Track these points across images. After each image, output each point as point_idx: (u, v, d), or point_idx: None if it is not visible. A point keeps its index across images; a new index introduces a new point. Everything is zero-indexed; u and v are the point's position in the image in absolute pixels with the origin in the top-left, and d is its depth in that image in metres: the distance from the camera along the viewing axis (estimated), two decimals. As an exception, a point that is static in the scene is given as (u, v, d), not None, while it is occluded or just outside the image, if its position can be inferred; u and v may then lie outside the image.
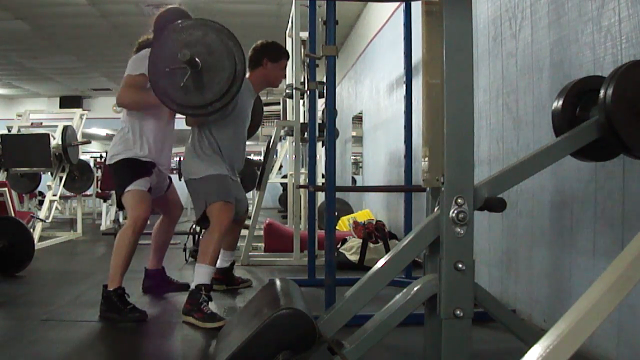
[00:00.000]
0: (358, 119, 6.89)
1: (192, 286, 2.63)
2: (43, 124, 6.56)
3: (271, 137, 4.61)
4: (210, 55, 2.11)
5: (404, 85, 3.42)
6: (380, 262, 1.51)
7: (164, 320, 2.67)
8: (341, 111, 6.60)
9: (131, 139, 2.77)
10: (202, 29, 2.16)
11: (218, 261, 3.07)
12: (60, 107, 11.83)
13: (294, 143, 4.55)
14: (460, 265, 1.38)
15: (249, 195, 8.53)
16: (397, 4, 4.53)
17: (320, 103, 4.13)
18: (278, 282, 1.70)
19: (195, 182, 2.81)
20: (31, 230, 4.50)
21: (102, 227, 7.04)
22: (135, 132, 2.77)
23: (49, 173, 5.87)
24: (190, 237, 4.65)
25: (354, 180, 7.26)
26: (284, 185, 8.32)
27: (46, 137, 5.54)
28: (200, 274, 2.63)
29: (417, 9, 2.72)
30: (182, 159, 2.93)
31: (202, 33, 2.15)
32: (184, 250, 4.50)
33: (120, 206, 2.86)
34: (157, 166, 2.84)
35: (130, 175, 2.74)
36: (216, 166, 2.80)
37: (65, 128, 5.67)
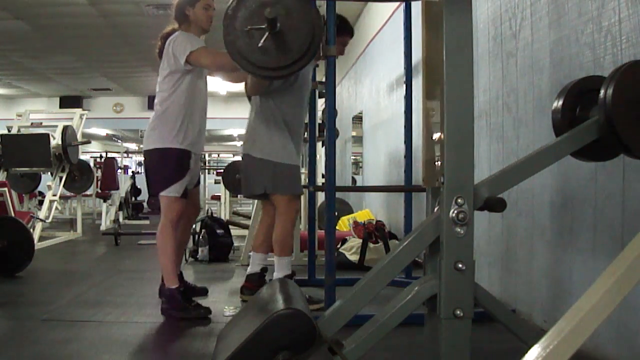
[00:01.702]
0: (358, 119, 6.89)
1: (278, 277, 2.76)
2: (43, 124, 6.56)
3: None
4: (288, 16, 2.09)
5: (404, 85, 3.42)
6: (380, 262, 1.51)
7: (164, 320, 2.67)
8: (341, 111, 6.59)
9: (172, 123, 2.69)
10: None
11: (249, 266, 3.07)
12: (60, 107, 11.83)
13: (294, 143, 4.54)
14: (460, 265, 1.38)
15: (249, 195, 8.54)
16: (397, 4, 4.53)
17: (320, 103, 4.13)
18: (278, 282, 1.70)
19: (263, 163, 2.78)
20: (31, 230, 4.50)
21: (102, 227, 7.05)
22: (177, 115, 2.69)
23: (49, 173, 5.87)
24: (190, 237, 4.65)
25: (354, 180, 7.25)
26: (284, 185, 8.31)
27: (46, 137, 5.54)
28: (281, 266, 2.82)
29: (417, 9, 2.72)
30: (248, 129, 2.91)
31: None
32: (184, 250, 4.50)
33: (151, 194, 2.88)
34: (193, 154, 2.79)
35: (169, 176, 2.71)
36: (288, 151, 2.78)
37: (65, 128, 5.67)
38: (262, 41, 2.05)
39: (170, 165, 2.71)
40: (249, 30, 2.06)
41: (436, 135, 1.51)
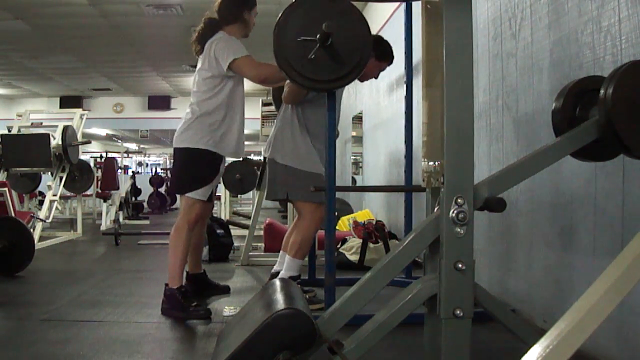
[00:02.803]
0: (358, 119, 6.88)
1: (284, 277, 2.74)
2: (43, 124, 6.56)
3: (271, 137, 4.60)
4: (340, 30, 2.07)
5: (404, 85, 3.42)
6: (380, 262, 1.51)
7: (165, 320, 2.67)
8: (341, 111, 6.59)
9: (209, 125, 2.69)
10: (333, 5, 2.13)
11: (277, 265, 3.07)
12: (60, 107, 11.83)
13: (294, 143, 4.53)
14: (460, 265, 1.38)
15: (249, 195, 8.54)
16: (397, 4, 4.53)
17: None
18: (278, 282, 1.70)
19: (286, 169, 2.80)
20: (31, 230, 4.50)
21: (102, 227, 7.04)
22: (216, 118, 2.70)
23: (49, 173, 5.87)
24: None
25: (354, 180, 7.25)
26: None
27: (46, 137, 5.54)
28: (291, 267, 2.81)
29: (417, 9, 2.71)
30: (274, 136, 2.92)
31: (332, 8, 2.12)
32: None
33: (174, 192, 2.88)
34: (224, 158, 2.81)
35: (199, 178, 2.73)
36: (312, 159, 2.81)
37: (65, 128, 5.67)
38: (312, 53, 2.05)
39: (200, 166, 2.73)
40: (300, 42, 2.05)
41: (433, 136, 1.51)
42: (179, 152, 2.76)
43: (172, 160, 3.39)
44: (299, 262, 2.85)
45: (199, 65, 2.78)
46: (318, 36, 2.04)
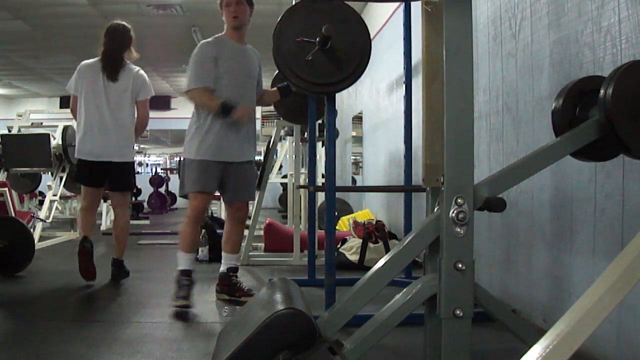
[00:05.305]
0: (358, 119, 6.89)
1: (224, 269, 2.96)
2: (43, 124, 6.56)
3: (271, 137, 4.61)
4: (338, 35, 2.08)
5: (404, 85, 3.42)
6: (380, 262, 1.51)
7: (165, 320, 2.67)
8: (341, 111, 6.59)
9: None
10: (334, 9, 2.15)
11: (221, 266, 3.07)
12: (60, 107, 11.78)
13: (294, 143, 4.55)
14: (460, 265, 1.38)
15: (249, 195, 8.53)
16: (397, 4, 4.53)
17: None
18: (278, 282, 1.70)
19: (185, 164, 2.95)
20: (31, 230, 4.49)
21: (102, 227, 7.04)
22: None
23: (49, 173, 5.87)
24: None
25: (354, 180, 7.25)
26: (284, 185, 8.32)
27: (46, 137, 5.54)
28: (179, 259, 2.87)
29: (417, 9, 2.72)
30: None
31: (333, 12, 2.13)
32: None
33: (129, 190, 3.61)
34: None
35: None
36: (194, 145, 2.82)
37: (65, 128, 5.67)
38: (310, 55, 2.05)
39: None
40: (299, 43, 2.06)
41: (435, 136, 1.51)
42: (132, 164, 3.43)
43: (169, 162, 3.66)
44: (181, 254, 2.87)
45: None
46: (317, 39, 2.04)
